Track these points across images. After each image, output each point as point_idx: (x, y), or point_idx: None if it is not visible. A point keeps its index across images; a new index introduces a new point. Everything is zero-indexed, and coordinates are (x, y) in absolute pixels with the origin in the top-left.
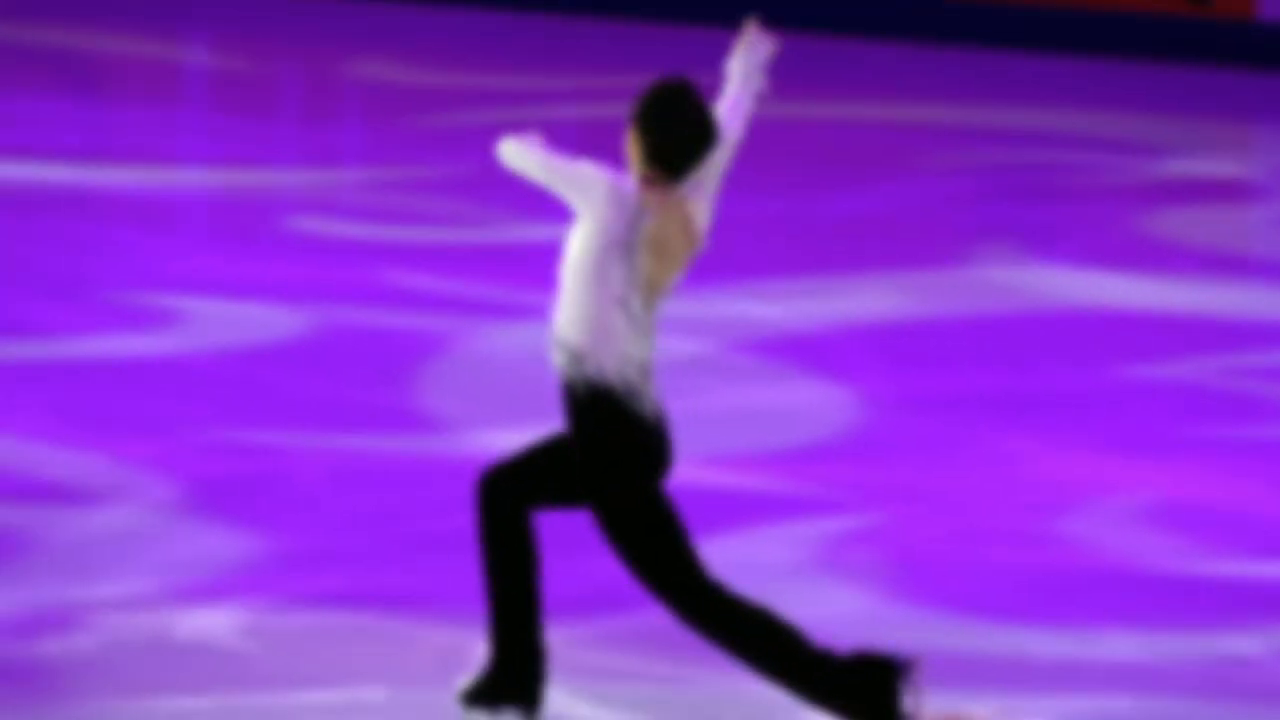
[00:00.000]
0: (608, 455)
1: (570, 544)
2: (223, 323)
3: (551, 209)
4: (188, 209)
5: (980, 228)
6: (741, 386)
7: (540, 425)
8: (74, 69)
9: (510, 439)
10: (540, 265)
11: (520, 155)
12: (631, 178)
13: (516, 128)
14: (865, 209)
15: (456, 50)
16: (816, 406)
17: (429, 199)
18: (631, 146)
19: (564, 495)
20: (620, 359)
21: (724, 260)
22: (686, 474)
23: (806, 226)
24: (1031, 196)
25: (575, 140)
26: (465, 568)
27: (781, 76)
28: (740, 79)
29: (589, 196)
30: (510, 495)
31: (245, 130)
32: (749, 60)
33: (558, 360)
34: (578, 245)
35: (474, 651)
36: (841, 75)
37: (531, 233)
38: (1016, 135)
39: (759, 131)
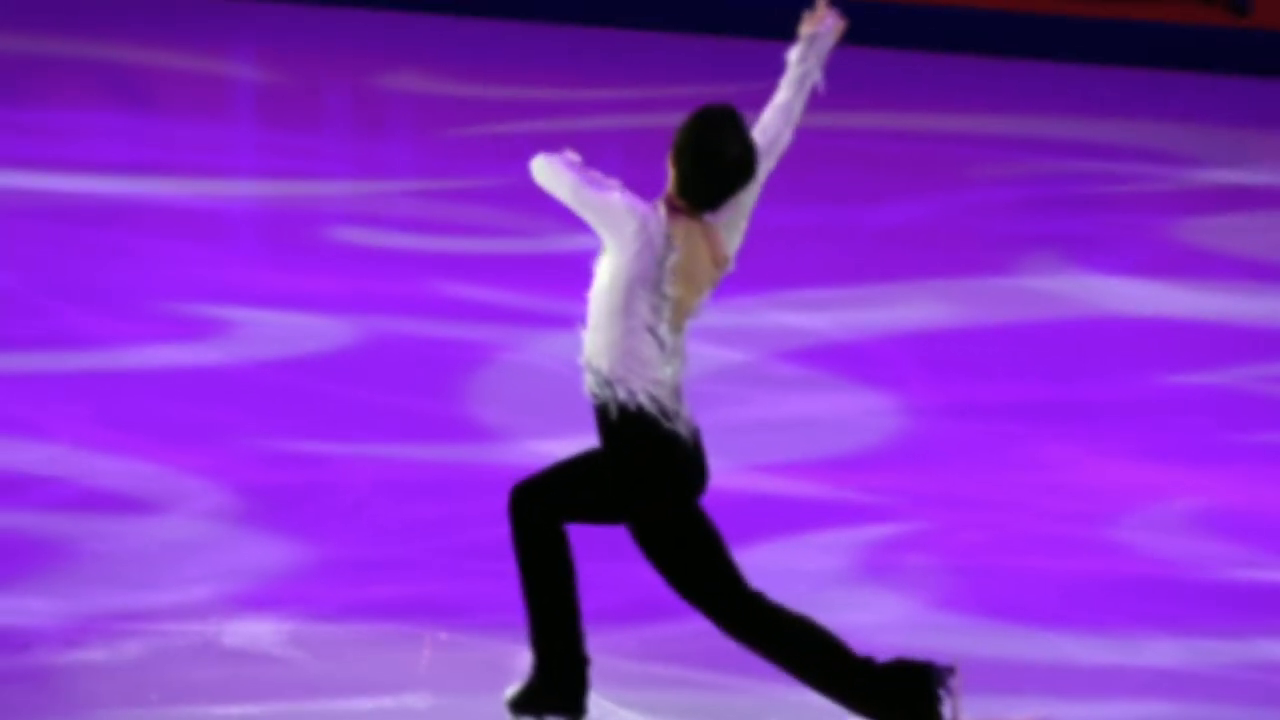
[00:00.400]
0: (643, 475)
1: (613, 551)
2: (272, 333)
3: None
4: (237, 221)
5: (1022, 237)
6: (785, 395)
7: (589, 436)
8: (124, 84)
9: (558, 448)
10: (588, 275)
11: (551, 175)
12: (662, 201)
13: (562, 138)
14: (908, 218)
15: (502, 62)
16: (859, 414)
17: (476, 210)
18: (669, 169)
19: (595, 511)
20: (651, 383)
21: (767, 269)
22: (730, 482)
23: (849, 236)
24: (1073, 206)
25: (619, 151)
26: (511, 577)
27: (824, 86)
28: (797, 80)
29: (617, 232)
30: (540, 507)
31: (293, 143)
32: (810, 55)
33: (589, 384)
34: (605, 276)
35: (519, 660)
36: (883, 85)
37: (579, 242)
38: (1057, 145)
39: (802, 140)
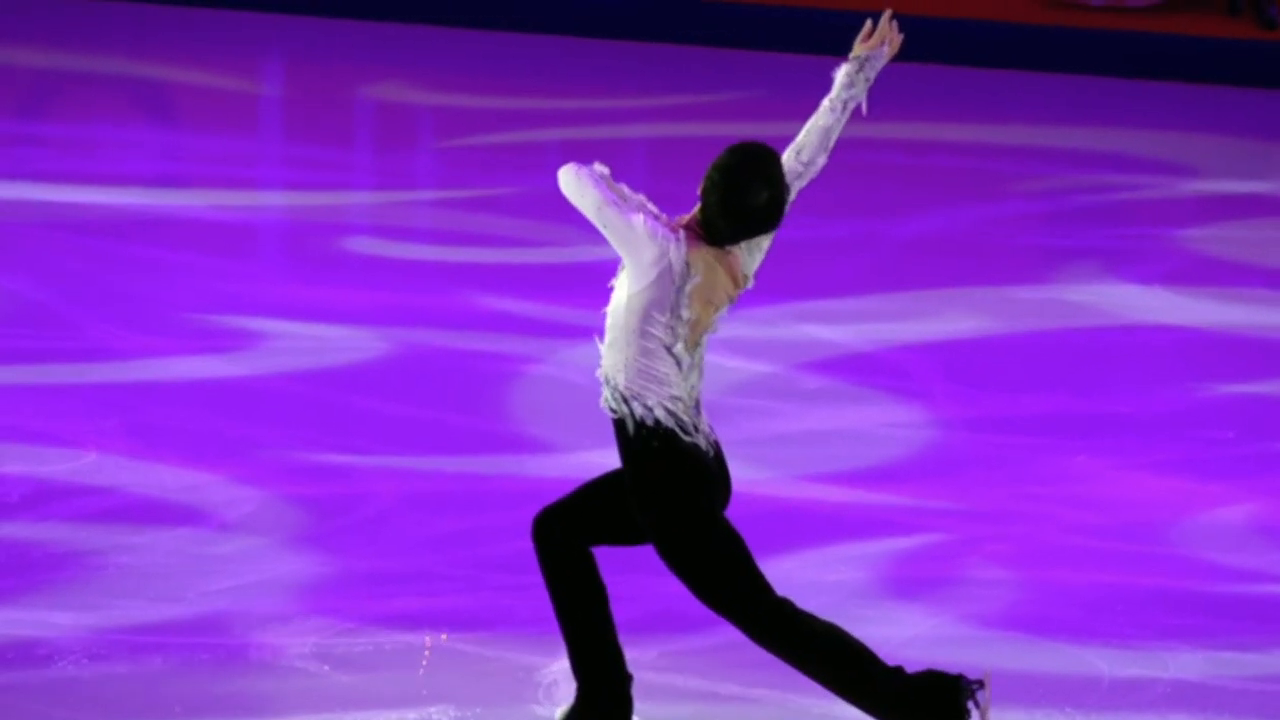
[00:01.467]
0: (663, 489)
1: (631, 564)
2: (298, 345)
3: None
4: (263, 233)
5: (1049, 248)
6: (810, 407)
7: (613, 451)
8: (150, 98)
9: (585, 460)
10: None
11: (577, 189)
12: (686, 224)
13: (581, 147)
14: (934, 230)
15: (524, 73)
16: (885, 426)
17: (499, 220)
18: (700, 193)
19: (618, 532)
20: (668, 399)
21: (794, 281)
22: (755, 493)
23: (875, 247)
24: (1101, 218)
25: (643, 159)
26: (536, 590)
27: (867, 108)
28: (841, 104)
29: (637, 256)
30: (562, 530)
31: (319, 156)
32: (859, 80)
33: (606, 399)
34: (622, 295)
35: (544, 673)
36: (909, 99)
37: (603, 252)
38: (1085, 157)
39: (835, 153)
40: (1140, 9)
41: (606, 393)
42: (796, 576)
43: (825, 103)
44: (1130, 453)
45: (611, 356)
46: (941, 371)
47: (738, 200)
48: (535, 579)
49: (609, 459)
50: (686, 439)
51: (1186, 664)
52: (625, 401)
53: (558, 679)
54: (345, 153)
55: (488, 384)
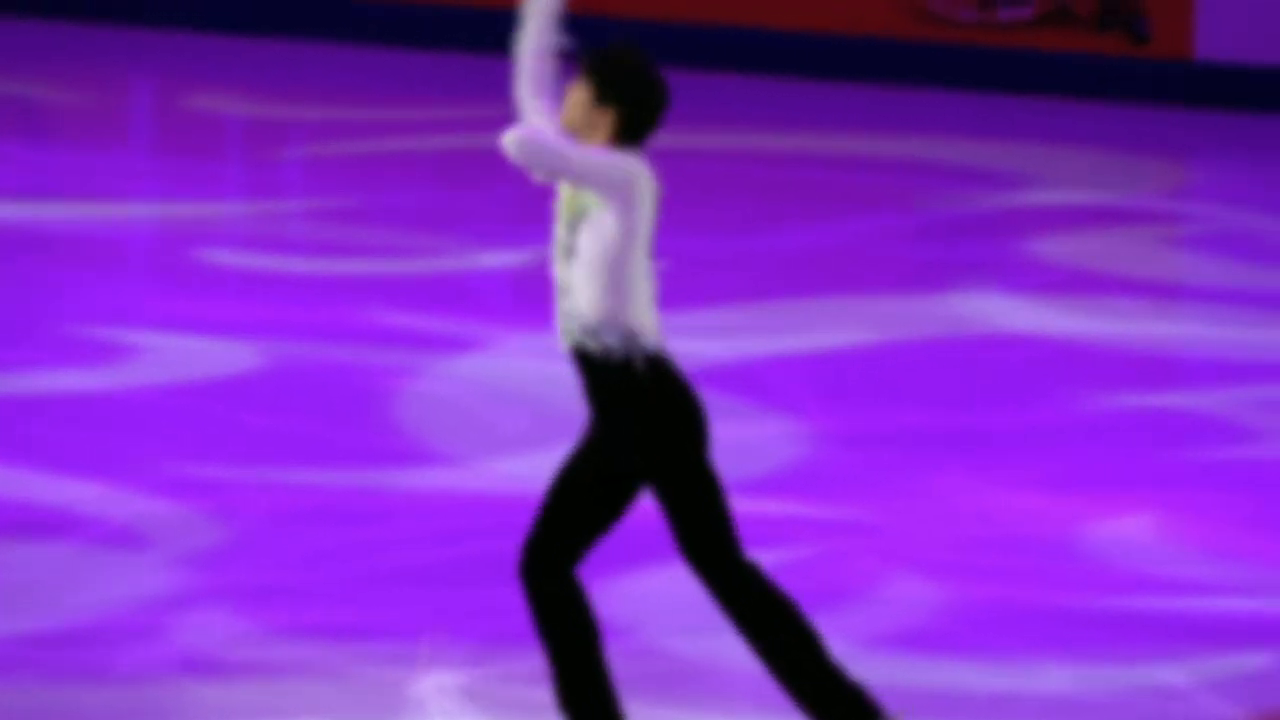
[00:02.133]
0: (665, 421)
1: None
2: (169, 358)
3: (496, 237)
4: (131, 246)
5: (922, 261)
6: None
7: (492, 462)
8: (16, 113)
9: (465, 473)
10: (487, 296)
11: (540, 151)
12: (599, 144)
13: (453, 157)
14: (805, 243)
15: (382, 84)
16: (758, 440)
17: (374, 231)
18: (593, 114)
19: (599, 522)
20: (650, 330)
21: (665, 295)
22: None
23: (745, 262)
24: (973, 230)
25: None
26: (408, 603)
27: (720, 113)
28: (544, 49)
29: (625, 192)
30: (550, 564)
31: (186, 169)
32: (549, 21)
33: (582, 341)
34: (601, 240)
35: (413, 688)
36: (778, 112)
37: (485, 261)
38: (960, 171)
39: (703, 167)
40: (1011, 23)
41: (581, 336)
42: (669, 588)
43: (526, 56)
44: (1004, 466)
45: (604, 305)
46: (811, 384)
47: (651, 93)
48: (407, 592)
49: (488, 472)
50: (669, 366)
51: (1057, 677)
52: (632, 338)
53: (428, 693)
54: (214, 165)
55: (363, 397)
